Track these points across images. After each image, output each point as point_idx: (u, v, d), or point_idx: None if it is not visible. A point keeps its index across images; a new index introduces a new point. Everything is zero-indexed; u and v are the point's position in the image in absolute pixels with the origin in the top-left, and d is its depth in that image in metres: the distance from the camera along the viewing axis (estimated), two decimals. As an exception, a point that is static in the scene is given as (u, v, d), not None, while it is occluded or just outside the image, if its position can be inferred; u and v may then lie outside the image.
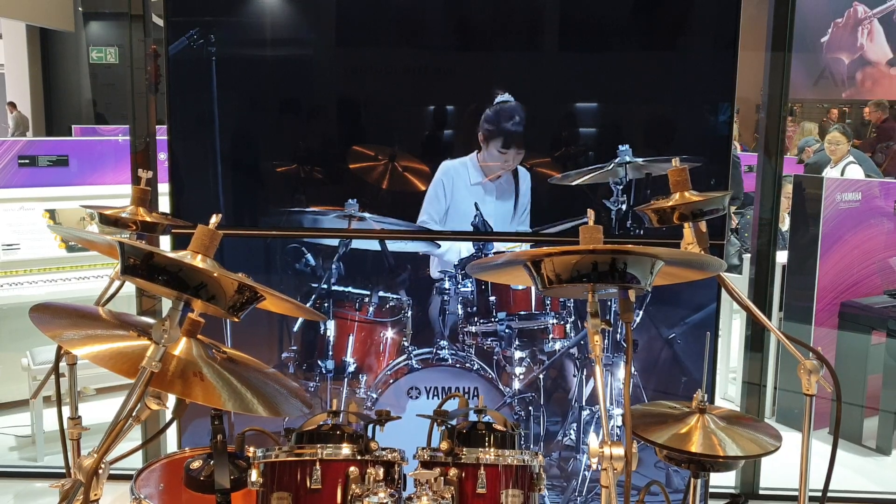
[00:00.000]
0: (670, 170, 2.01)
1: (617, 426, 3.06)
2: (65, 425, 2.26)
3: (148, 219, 2.25)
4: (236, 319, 1.56)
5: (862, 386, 4.40)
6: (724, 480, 3.63)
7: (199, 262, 1.50)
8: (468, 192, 3.03)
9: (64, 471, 2.34)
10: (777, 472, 3.66)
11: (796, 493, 2.14)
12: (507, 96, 2.97)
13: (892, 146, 9.77)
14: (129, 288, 3.47)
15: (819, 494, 2.14)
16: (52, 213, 4.50)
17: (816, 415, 2.08)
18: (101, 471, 1.43)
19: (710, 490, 3.22)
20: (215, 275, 1.47)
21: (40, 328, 1.65)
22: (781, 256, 4.50)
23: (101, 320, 1.81)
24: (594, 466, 1.51)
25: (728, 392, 4.94)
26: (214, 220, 1.57)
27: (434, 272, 3.12)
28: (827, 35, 10.70)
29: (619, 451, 1.50)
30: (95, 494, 1.45)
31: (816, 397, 2.07)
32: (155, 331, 1.48)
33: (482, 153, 3.02)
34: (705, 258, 1.78)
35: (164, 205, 3.21)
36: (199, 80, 3.01)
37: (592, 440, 1.52)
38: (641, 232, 3.01)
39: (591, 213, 1.71)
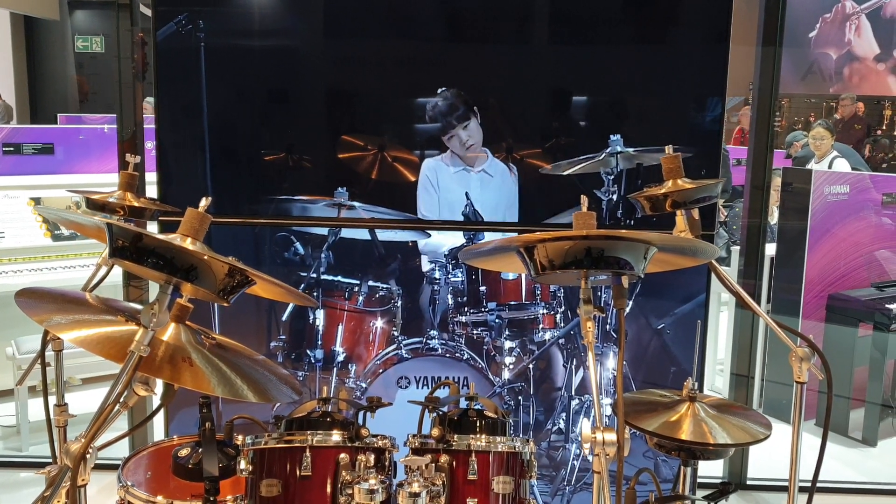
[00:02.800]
0: (663, 157, 2.00)
1: (606, 415, 3.06)
2: (51, 413, 2.23)
3: (136, 204, 2.22)
4: (226, 304, 1.55)
5: (848, 378, 4.43)
6: (711, 471, 3.65)
7: (188, 244, 1.48)
8: (453, 182, 3.02)
9: (49, 460, 2.32)
10: (764, 463, 3.68)
11: (783, 483, 2.15)
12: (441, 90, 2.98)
13: (880, 140, 9.83)
14: (116, 277, 3.45)
15: (807, 484, 2.14)
16: (37, 201, 4.46)
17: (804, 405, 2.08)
18: (88, 456, 1.41)
19: (699, 480, 3.23)
20: (205, 257, 1.45)
21: (27, 312, 1.63)
22: (770, 249, 4.52)
23: (88, 305, 1.79)
24: (587, 452, 1.51)
25: (716, 384, 4.96)
26: (204, 203, 1.55)
27: (424, 264, 3.11)
28: (815, 30, 10.73)
29: (611, 436, 1.50)
30: (82, 480, 1.43)
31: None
32: (143, 315, 1.46)
33: (452, 150, 3.02)
34: (698, 244, 1.77)
35: (152, 194, 3.18)
36: (188, 66, 2.98)
37: (585, 426, 1.52)
38: (632, 222, 3.01)
39: (584, 199, 1.71)
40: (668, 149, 2.02)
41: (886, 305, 4.33)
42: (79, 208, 4.34)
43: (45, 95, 10.20)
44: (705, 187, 1.97)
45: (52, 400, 2.29)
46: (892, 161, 9.80)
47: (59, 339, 2.17)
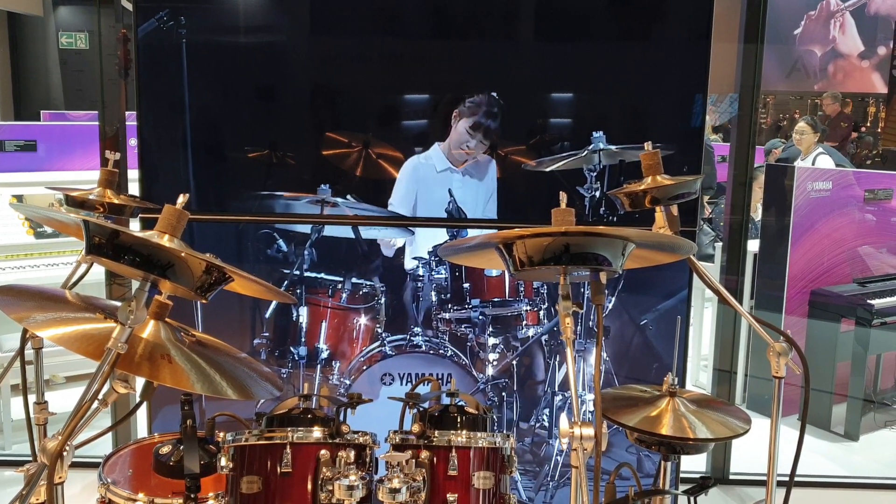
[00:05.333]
0: (642, 154, 2.02)
1: (589, 411, 3.07)
2: (31, 411, 2.22)
3: (115, 201, 2.21)
4: (204, 301, 1.54)
5: (831, 373, 4.46)
6: (694, 465, 3.67)
7: (166, 241, 1.48)
8: (436, 181, 3.02)
9: (31, 458, 2.31)
10: (747, 457, 3.71)
11: (765, 478, 2.17)
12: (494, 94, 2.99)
13: (864, 137, 9.88)
14: (99, 276, 3.44)
15: (786, 478, 2.16)
16: (19, 199, 4.43)
17: (786, 402, 2.10)
18: (65, 453, 1.41)
19: (682, 475, 3.25)
20: (182, 255, 1.45)
21: (5, 311, 1.62)
22: (753, 245, 4.55)
23: (67, 303, 1.78)
24: (564, 447, 1.52)
25: (699, 380, 4.99)
26: (181, 199, 1.55)
27: (407, 262, 3.11)
28: (800, 27, 10.79)
29: (589, 431, 1.51)
30: (60, 477, 1.43)
31: (786, 385, 2.09)
32: (121, 312, 1.46)
33: (448, 138, 3.01)
34: (676, 240, 1.78)
35: (135, 191, 3.17)
36: (170, 63, 2.97)
37: (563, 421, 1.53)
38: (615, 219, 3.02)
39: (563, 195, 1.71)
40: (647, 145, 2.03)
41: (868, 301, 4.36)
42: (61, 205, 4.32)
43: (29, 92, 10.13)
44: (683, 184, 1.98)
45: (33, 398, 2.27)
46: (876, 158, 9.87)
47: (38, 336, 2.16)
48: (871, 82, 10.93)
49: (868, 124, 11.04)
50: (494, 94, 2.98)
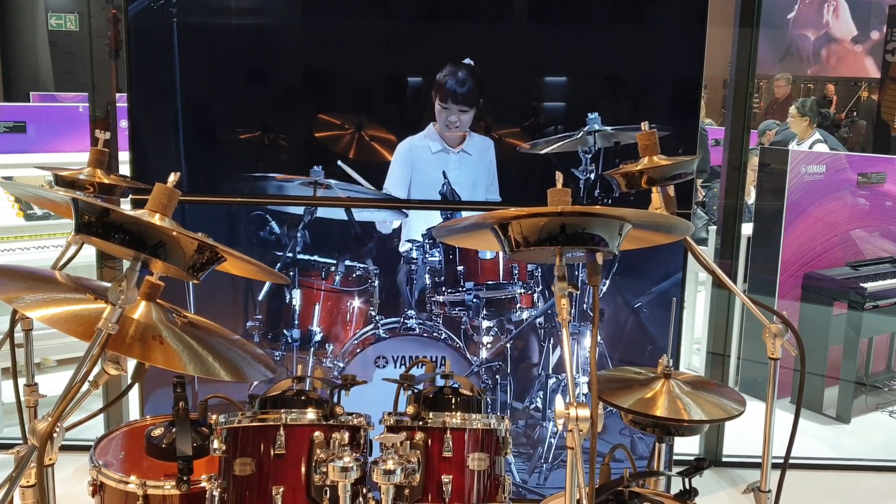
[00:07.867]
0: (639, 134, 2.00)
1: (583, 393, 3.07)
2: (21, 393, 2.20)
3: (105, 180, 2.19)
4: (196, 281, 1.53)
5: (823, 356, 4.48)
6: (688, 447, 3.68)
7: (157, 220, 1.46)
8: (431, 163, 3.00)
9: (22, 441, 2.29)
10: (739, 440, 3.72)
11: (757, 460, 2.17)
12: (467, 61, 2.95)
13: (856, 121, 9.87)
14: (90, 258, 3.41)
15: (780, 461, 2.16)
16: (8, 180, 4.39)
17: (779, 384, 2.10)
18: (55, 435, 1.39)
19: (675, 458, 3.26)
20: (174, 233, 1.43)
21: (-7, 291, 1.60)
22: (747, 228, 4.54)
23: (57, 284, 1.76)
24: (560, 428, 1.51)
25: (693, 363, 5.00)
26: (172, 178, 1.53)
27: (401, 244, 3.10)
28: (794, 11, 10.77)
29: (584, 412, 1.50)
30: (50, 459, 1.41)
31: (780, 368, 2.09)
32: (111, 292, 1.44)
33: (437, 120, 2.98)
34: (673, 220, 1.77)
35: (126, 173, 3.13)
36: (161, 44, 2.94)
37: (559, 402, 1.52)
38: (609, 201, 3.01)
39: (559, 175, 1.70)
40: (644, 125, 2.02)
41: (861, 284, 4.37)
42: (51, 187, 4.27)
43: (18, 73, 10.03)
44: (681, 163, 1.97)
45: (23, 381, 2.25)
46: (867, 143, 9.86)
47: (27, 318, 2.14)
48: (864, 67, 10.92)
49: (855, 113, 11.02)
50: (467, 60, 2.94)
